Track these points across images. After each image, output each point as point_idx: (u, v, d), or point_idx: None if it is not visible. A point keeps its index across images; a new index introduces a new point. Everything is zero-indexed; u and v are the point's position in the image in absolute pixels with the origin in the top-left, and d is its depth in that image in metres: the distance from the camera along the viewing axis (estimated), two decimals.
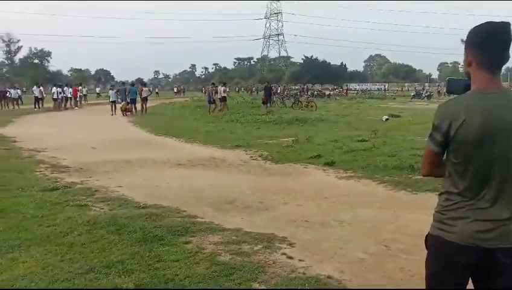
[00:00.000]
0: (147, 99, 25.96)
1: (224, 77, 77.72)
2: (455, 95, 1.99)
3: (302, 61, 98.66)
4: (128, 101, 24.82)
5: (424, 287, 2.03)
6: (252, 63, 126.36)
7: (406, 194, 6.59)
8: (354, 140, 11.56)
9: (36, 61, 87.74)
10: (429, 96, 45.15)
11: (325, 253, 4.35)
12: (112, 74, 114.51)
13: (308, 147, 10.74)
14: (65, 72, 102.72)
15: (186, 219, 5.35)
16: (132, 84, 28.47)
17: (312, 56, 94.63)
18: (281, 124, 17.03)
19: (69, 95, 30.81)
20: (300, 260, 4.13)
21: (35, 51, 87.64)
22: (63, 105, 29.59)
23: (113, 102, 25.44)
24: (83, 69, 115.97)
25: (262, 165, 9.18)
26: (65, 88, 30.78)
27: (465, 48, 1.94)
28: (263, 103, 27.77)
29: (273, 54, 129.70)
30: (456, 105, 1.88)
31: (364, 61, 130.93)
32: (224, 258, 4.14)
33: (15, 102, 31.16)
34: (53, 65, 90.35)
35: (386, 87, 76.08)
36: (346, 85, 69.18)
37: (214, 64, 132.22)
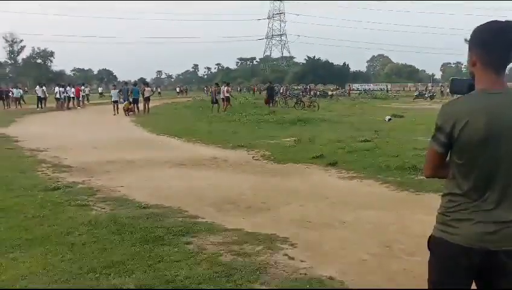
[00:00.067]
0: (149, 99, 25.94)
1: (227, 77, 77.57)
2: (458, 95, 1.97)
3: (304, 61, 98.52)
4: (131, 100, 24.82)
5: (427, 288, 2.01)
6: (255, 63, 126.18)
7: (409, 194, 6.56)
8: (356, 140, 11.52)
9: (39, 61, 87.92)
10: (432, 97, 45.05)
11: (327, 254, 4.32)
12: (114, 74, 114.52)
13: (310, 147, 10.71)
14: (68, 72, 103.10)
15: (188, 219, 5.33)
16: (135, 84, 28.48)
17: (315, 56, 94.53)
18: (284, 124, 17.00)
19: (72, 95, 30.85)
20: (302, 261, 4.10)
21: (38, 51, 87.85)
22: (65, 105, 29.63)
23: (115, 102, 25.46)
24: (85, 69, 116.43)
25: (264, 165, 9.16)
26: (67, 88, 30.81)
27: (469, 48, 1.90)
28: (266, 103, 27.78)
29: (275, 54, 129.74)
30: (459, 105, 1.86)
31: (367, 62, 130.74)
32: (226, 259, 4.12)
33: (17, 102, 31.22)
34: (56, 65, 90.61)
35: (389, 87, 75.90)
36: (349, 85, 69.06)
37: (216, 64, 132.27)
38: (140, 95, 25.61)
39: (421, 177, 7.02)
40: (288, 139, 12.27)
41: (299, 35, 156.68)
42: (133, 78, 54.47)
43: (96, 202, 6.17)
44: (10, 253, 4.27)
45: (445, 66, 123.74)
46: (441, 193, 2.00)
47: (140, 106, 25.31)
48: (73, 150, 11.05)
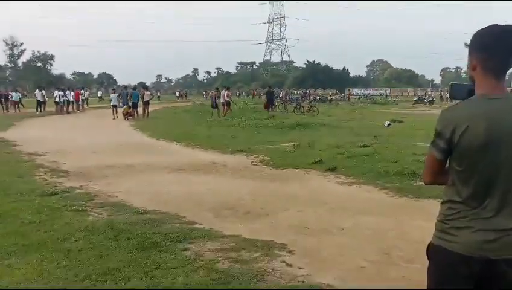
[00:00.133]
0: (148, 103, 25.92)
1: (227, 81, 77.75)
2: (458, 101, 1.94)
3: (304, 66, 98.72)
4: (130, 105, 24.81)
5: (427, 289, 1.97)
6: (255, 67, 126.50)
7: (408, 200, 6.52)
8: (355, 145, 11.49)
9: (39, 64, 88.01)
10: (431, 102, 45.09)
11: (325, 261, 4.28)
12: (114, 78, 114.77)
13: (309, 153, 10.68)
14: (68, 75, 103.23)
15: (185, 225, 5.29)
16: (134, 88, 28.47)
17: (314, 61, 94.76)
18: (283, 129, 16.98)
19: (71, 99, 30.88)
20: (300, 268, 4.06)
21: (38, 54, 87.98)
22: (64, 109, 29.63)
23: (115, 106, 25.45)
24: (85, 72, 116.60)
25: (263, 171, 9.12)
26: (67, 92, 30.84)
27: (469, 52, 1.88)
28: (265, 107, 27.77)
29: (275, 59, 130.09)
30: (459, 111, 1.83)
31: (367, 66, 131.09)
32: (223, 266, 4.08)
33: (16, 105, 31.21)
34: (56, 68, 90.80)
35: (388, 92, 75.98)
36: (349, 90, 69.15)
37: (216, 68, 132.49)
38: (140, 99, 25.61)
39: (420, 183, 6.98)
40: (287, 144, 12.24)
41: (298, 40, 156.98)
42: (133, 82, 54.62)
43: (93, 208, 6.12)
44: (5, 259, 4.23)
45: (444, 71, 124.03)
46: (440, 199, 1.97)
47: (140, 110, 25.30)
48: (72, 155, 11.01)
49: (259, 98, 54.27)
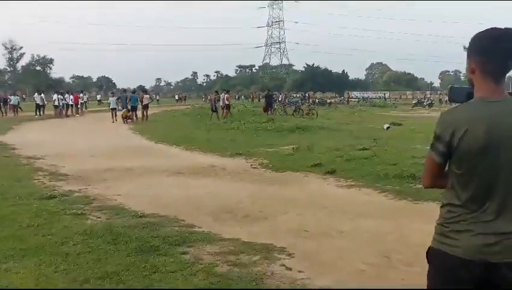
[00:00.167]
0: (148, 107, 25.91)
1: (226, 85, 77.61)
2: (457, 104, 1.93)
3: (303, 69, 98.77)
4: (129, 108, 24.80)
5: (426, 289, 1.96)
6: (254, 70, 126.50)
7: (407, 203, 6.52)
8: (355, 148, 11.48)
9: (38, 68, 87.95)
10: (431, 105, 45.12)
11: (325, 264, 4.27)
12: (113, 81, 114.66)
13: (308, 156, 10.67)
14: (67, 79, 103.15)
15: (184, 229, 5.28)
16: (133, 91, 28.46)
17: (314, 64, 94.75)
18: (282, 132, 16.97)
19: (70, 102, 30.87)
20: (299, 271, 4.04)
21: (37, 58, 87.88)
22: (64, 112, 29.62)
23: (113, 109, 25.44)
24: (85, 76, 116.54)
25: (262, 174, 9.11)
26: (66, 95, 30.84)
27: (468, 55, 1.87)
28: (264, 110, 27.77)
29: (274, 62, 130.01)
30: (458, 114, 1.82)
31: (366, 69, 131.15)
32: (222, 269, 4.06)
33: (14, 109, 31.21)
34: (55, 72, 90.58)
35: (388, 95, 76.05)
36: (348, 93, 69.20)
37: (215, 71, 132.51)
38: (139, 102, 25.60)
39: (420, 185, 6.97)
40: (286, 147, 12.22)
41: (297, 43, 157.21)
42: (132, 85, 54.36)
43: (92, 211, 6.11)
44: (3, 263, 4.21)
45: (443, 74, 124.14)
46: (440, 202, 1.96)
47: (139, 113, 25.29)
48: (70, 158, 10.99)
49: (259, 101, 54.27)
